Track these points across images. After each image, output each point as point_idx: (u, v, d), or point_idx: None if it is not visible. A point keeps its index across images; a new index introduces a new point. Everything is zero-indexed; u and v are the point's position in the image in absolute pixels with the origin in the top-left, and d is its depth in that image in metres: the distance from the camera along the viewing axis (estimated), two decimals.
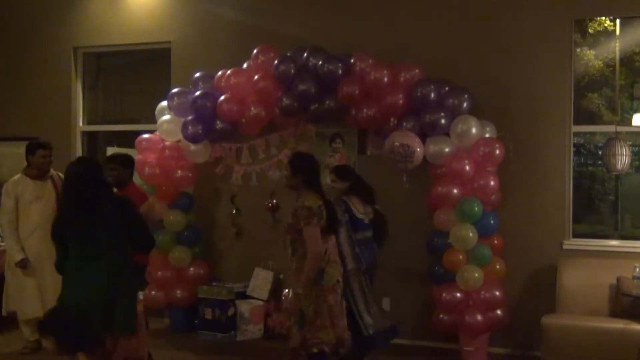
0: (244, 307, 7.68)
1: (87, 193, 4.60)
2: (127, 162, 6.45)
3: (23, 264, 6.82)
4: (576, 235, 7.18)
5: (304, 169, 5.33)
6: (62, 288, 4.62)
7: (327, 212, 5.27)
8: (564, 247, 7.01)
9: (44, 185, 6.93)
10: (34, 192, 6.87)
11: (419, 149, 6.72)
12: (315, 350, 5.16)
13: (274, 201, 7.81)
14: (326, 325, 5.15)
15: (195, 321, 7.88)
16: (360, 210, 6.43)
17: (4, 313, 7.18)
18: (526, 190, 7.08)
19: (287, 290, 7.69)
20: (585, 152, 7.69)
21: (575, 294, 6.57)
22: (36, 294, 6.82)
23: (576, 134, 7.28)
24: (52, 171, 7.03)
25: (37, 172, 6.92)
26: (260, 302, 7.78)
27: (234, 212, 8.04)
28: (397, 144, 6.71)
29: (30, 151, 6.93)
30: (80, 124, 9.16)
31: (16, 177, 6.97)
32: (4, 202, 6.93)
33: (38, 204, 6.83)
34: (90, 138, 9.25)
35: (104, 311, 4.46)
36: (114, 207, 4.65)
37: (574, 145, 7.26)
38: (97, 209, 4.57)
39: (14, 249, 6.84)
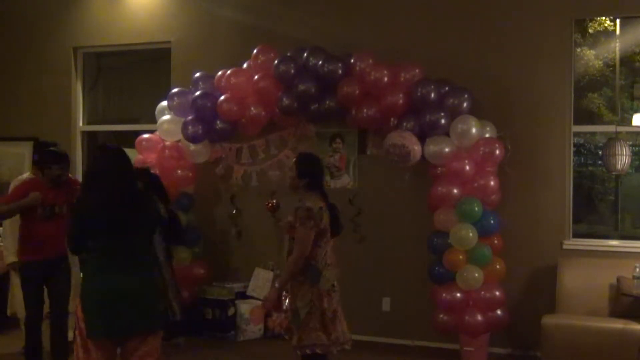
0: (244, 307, 7.69)
1: (125, 183, 4.48)
2: (67, 161, 6.39)
3: (13, 267, 6.80)
4: (576, 235, 7.18)
5: (310, 172, 5.24)
6: (86, 283, 4.47)
7: (330, 215, 5.19)
8: (564, 247, 7.01)
9: None
10: None
11: (416, 147, 6.71)
12: (308, 352, 5.10)
13: (274, 201, 7.79)
14: (317, 327, 5.07)
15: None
16: (162, 207, 6.98)
17: (8, 313, 7.17)
18: (526, 190, 7.07)
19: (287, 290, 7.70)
20: (585, 152, 7.69)
21: (576, 294, 6.58)
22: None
23: (576, 134, 7.28)
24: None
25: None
26: (260, 303, 7.78)
27: (234, 212, 8.05)
28: (391, 145, 6.72)
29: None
30: (80, 124, 9.17)
31: (24, 176, 6.93)
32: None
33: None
34: (90, 138, 9.24)
35: (146, 310, 4.42)
36: (144, 199, 4.59)
37: (574, 145, 7.26)
38: (136, 201, 4.49)
39: (9, 250, 6.81)
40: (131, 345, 4.44)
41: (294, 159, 5.39)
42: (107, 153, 4.64)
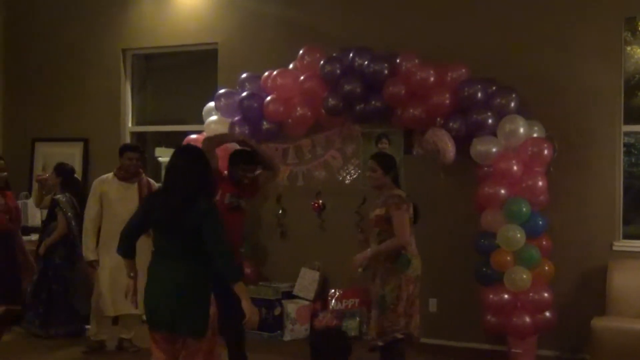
0: (290, 307, 7.72)
1: (192, 184, 4.43)
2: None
3: (91, 265, 6.93)
4: (626, 236, 7.05)
5: (393, 168, 5.54)
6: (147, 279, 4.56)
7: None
8: (614, 248, 6.91)
9: (129, 187, 6.97)
10: (117, 193, 6.94)
11: (447, 147, 6.72)
12: (399, 336, 5.37)
13: (320, 201, 7.84)
14: (403, 313, 5.36)
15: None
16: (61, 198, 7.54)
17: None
18: (575, 191, 6.99)
19: (333, 290, 7.72)
20: (635, 152, 7.56)
21: (626, 295, 6.48)
22: (110, 294, 6.89)
23: (626, 134, 7.15)
24: (144, 177, 7.10)
25: (124, 173, 7.01)
26: (307, 302, 7.82)
27: (280, 212, 8.09)
28: (424, 141, 6.86)
29: (119, 152, 7.06)
30: (129, 125, 9.30)
31: (105, 176, 7.08)
32: (88, 200, 7.05)
33: (121, 205, 6.81)
34: (139, 139, 9.37)
35: (175, 312, 4.38)
36: (206, 206, 4.44)
37: (624, 145, 7.13)
38: (194, 204, 4.39)
39: (88, 249, 6.94)
40: (178, 343, 4.50)
41: (371, 160, 5.66)
42: (180, 152, 4.67)
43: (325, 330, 4.55)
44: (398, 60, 7.05)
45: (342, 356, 4.39)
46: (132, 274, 4.77)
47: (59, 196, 7.51)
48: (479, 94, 6.76)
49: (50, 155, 9.44)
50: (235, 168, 6.06)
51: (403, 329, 5.39)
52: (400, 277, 5.38)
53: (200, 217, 4.37)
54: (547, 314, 6.67)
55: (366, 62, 7.12)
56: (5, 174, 6.15)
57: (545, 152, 6.60)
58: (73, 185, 7.70)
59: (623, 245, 6.93)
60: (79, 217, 7.31)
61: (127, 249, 4.73)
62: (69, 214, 7.45)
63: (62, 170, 7.69)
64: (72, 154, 9.30)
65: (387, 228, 5.42)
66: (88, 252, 6.92)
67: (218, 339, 4.68)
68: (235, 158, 6.12)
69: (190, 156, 4.59)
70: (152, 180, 7.21)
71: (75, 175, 7.94)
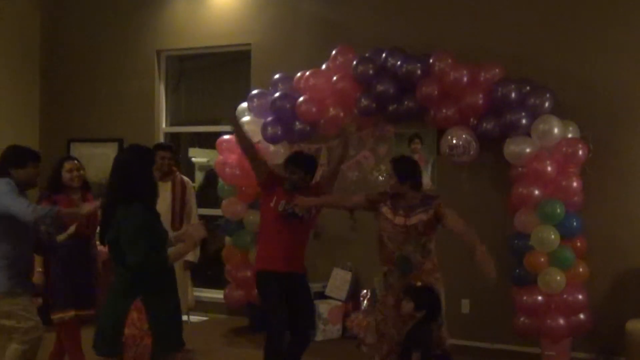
0: (322, 307, 7.72)
1: (122, 186, 4.00)
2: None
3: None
4: None
5: (410, 177, 5.22)
6: None
7: None
8: None
9: (162, 186, 6.91)
10: None
11: (473, 144, 6.74)
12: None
13: None
14: None
15: None
16: None
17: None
18: (611, 192, 6.91)
19: (365, 291, 7.71)
20: None
21: None
22: None
23: None
24: (178, 175, 7.10)
25: (157, 172, 7.03)
26: (339, 303, 7.82)
27: None
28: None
29: None
30: (164, 126, 9.37)
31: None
32: None
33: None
34: (173, 139, 9.44)
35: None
36: (124, 212, 3.92)
37: None
38: (118, 208, 3.94)
39: None
40: None
41: (390, 164, 5.36)
42: (124, 150, 4.34)
43: (424, 287, 4.94)
44: (431, 60, 7.03)
45: (437, 310, 5.17)
46: None
47: None
48: (513, 94, 6.72)
49: (85, 155, 9.50)
50: (285, 169, 5.88)
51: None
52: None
53: (117, 225, 3.93)
54: (582, 316, 6.61)
55: (399, 62, 7.11)
56: (83, 172, 6.05)
57: (580, 152, 6.54)
58: None
59: None
60: None
61: None
62: None
63: None
64: (106, 154, 9.38)
65: (432, 237, 5.31)
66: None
67: None
68: (287, 159, 5.95)
69: (128, 156, 4.16)
70: (186, 178, 7.23)
71: None
